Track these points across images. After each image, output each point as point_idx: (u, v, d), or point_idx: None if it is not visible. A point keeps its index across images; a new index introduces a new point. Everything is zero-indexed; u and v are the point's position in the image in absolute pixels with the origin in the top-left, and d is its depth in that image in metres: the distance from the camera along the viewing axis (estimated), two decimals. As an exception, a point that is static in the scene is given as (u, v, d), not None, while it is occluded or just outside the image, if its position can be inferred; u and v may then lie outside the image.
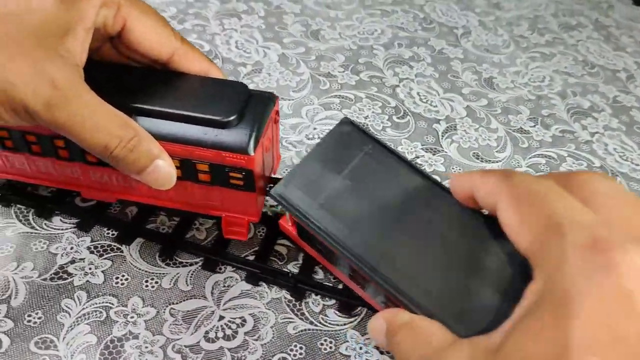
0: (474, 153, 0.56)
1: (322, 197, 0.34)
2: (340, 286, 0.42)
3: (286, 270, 0.43)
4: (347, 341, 0.40)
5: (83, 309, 0.39)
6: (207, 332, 0.39)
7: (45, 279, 0.40)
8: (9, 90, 0.30)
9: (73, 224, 0.44)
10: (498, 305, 0.29)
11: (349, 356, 0.39)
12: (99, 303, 0.40)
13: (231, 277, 0.43)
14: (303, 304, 0.42)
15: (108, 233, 0.44)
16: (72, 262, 0.42)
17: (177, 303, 0.40)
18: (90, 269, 0.41)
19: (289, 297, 0.42)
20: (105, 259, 0.42)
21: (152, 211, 0.45)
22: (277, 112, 0.40)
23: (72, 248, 0.43)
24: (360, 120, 0.57)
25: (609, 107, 0.65)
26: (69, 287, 0.40)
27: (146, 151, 0.33)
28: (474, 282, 0.30)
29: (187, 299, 0.41)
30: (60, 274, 0.41)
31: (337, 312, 0.41)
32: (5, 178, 0.43)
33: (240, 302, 0.41)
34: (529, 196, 0.26)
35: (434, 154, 0.55)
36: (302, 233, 0.37)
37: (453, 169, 0.54)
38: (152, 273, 0.42)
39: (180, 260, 0.43)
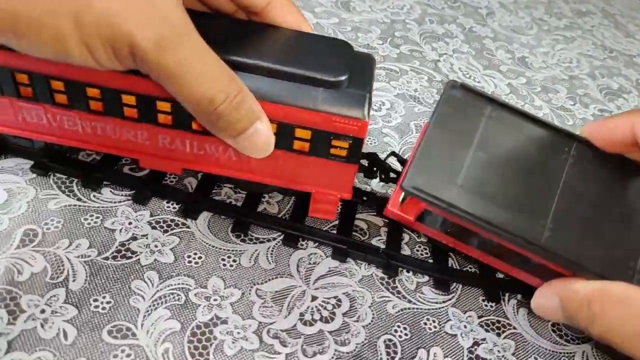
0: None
1: (460, 178, 0.30)
2: (431, 260, 0.39)
3: (373, 245, 0.39)
4: (450, 319, 0.37)
5: (157, 291, 0.33)
6: (302, 314, 0.34)
7: (106, 258, 0.34)
8: (116, 24, 0.25)
9: (127, 195, 0.38)
10: None
11: (455, 335, 0.36)
12: (175, 285, 0.34)
13: (315, 253, 0.38)
14: (397, 281, 0.38)
15: (168, 206, 0.38)
16: (134, 238, 0.36)
17: (262, 283, 0.35)
18: (156, 246, 0.36)
19: (380, 274, 0.38)
20: (171, 235, 0.37)
21: (214, 182, 0.40)
22: None
23: (130, 223, 0.37)
24: (410, 92, 0.54)
25: (635, 89, 0.66)
26: (136, 267, 0.34)
27: (249, 111, 0.29)
28: (634, 237, 0.28)
29: (272, 278, 0.36)
30: (123, 252, 0.35)
31: (433, 289, 0.38)
32: (49, 141, 0.36)
33: (330, 281, 0.37)
34: None
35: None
36: (423, 217, 0.33)
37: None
38: (228, 250, 0.37)
39: (255, 235, 0.38)
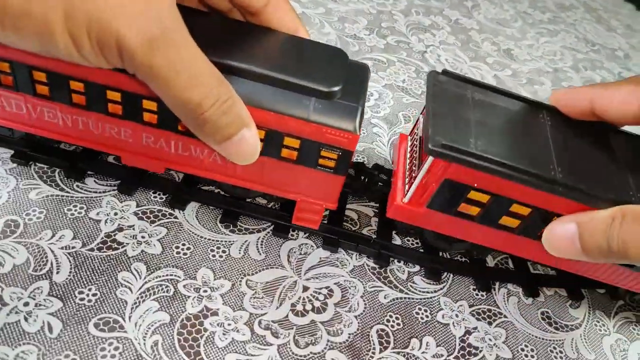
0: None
1: (473, 140, 0.31)
2: (422, 250, 0.39)
3: (365, 235, 0.39)
4: (442, 309, 0.37)
5: (145, 282, 0.33)
6: (294, 305, 0.34)
7: (91, 250, 0.33)
8: (106, 20, 0.23)
9: (112, 185, 0.37)
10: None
11: (447, 324, 0.36)
12: (163, 276, 0.33)
13: (306, 243, 0.38)
14: (388, 271, 0.38)
15: (155, 196, 0.37)
16: (120, 229, 0.35)
17: (253, 274, 0.35)
18: (143, 237, 0.35)
19: (371, 264, 0.38)
20: (158, 225, 0.36)
21: (202, 173, 0.39)
22: None
23: (116, 214, 0.36)
24: (398, 83, 0.54)
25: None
26: (123, 258, 0.33)
27: (237, 117, 0.27)
28: (622, 174, 0.32)
29: (263, 269, 0.35)
30: (109, 243, 0.34)
31: (424, 279, 0.38)
32: (27, 132, 0.35)
33: (322, 271, 0.36)
34: None
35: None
36: (433, 202, 0.33)
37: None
38: (217, 241, 0.36)
39: (245, 226, 0.37)
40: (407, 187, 0.34)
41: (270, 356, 0.31)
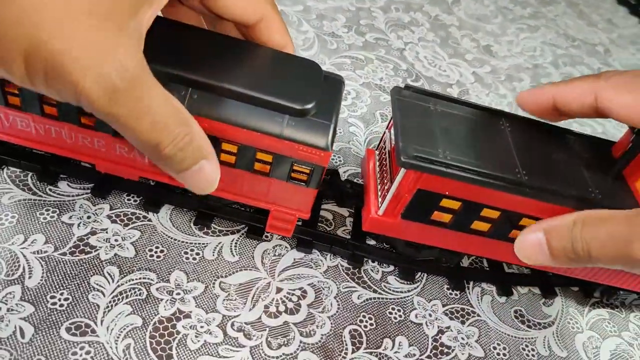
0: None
1: (440, 150, 0.32)
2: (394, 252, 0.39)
3: (339, 236, 0.39)
4: (416, 308, 0.37)
5: (118, 286, 0.33)
6: (267, 307, 0.34)
7: (64, 254, 0.33)
8: (65, 64, 0.22)
9: (85, 189, 0.37)
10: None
11: (421, 324, 0.36)
12: (136, 279, 0.33)
13: (280, 245, 0.38)
14: (362, 271, 0.38)
15: (129, 199, 0.37)
16: (93, 233, 0.35)
17: (226, 276, 0.35)
18: (116, 240, 0.35)
19: (345, 264, 0.38)
20: (132, 228, 0.36)
21: (177, 174, 0.39)
22: None
23: (89, 217, 0.35)
24: (376, 82, 0.54)
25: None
26: (96, 262, 0.33)
27: (196, 149, 0.27)
28: (579, 171, 0.34)
29: (237, 271, 0.35)
30: (82, 247, 0.34)
31: (398, 279, 0.38)
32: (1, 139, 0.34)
33: (296, 272, 0.37)
34: (635, 80, 0.31)
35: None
36: (407, 213, 0.34)
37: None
38: (190, 243, 0.36)
39: (219, 228, 0.38)
40: (380, 199, 0.35)
41: (242, 358, 0.31)
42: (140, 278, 0.33)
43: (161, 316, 0.32)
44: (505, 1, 0.77)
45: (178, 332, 0.31)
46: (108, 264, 0.34)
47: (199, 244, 0.36)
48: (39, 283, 0.32)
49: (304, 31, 0.58)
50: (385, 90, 0.54)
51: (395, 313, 0.36)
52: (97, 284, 0.32)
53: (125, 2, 0.24)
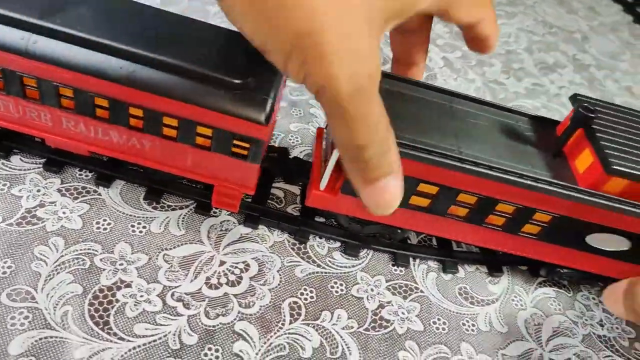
0: (456, 102, 0.55)
1: (406, 134, 0.33)
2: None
3: (287, 212, 0.40)
4: (358, 283, 0.38)
5: (61, 256, 0.34)
6: (208, 279, 0.35)
7: (10, 224, 0.34)
8: (329, 55, 0.24)
9: (38, 163, 0.38)
10: None
11: (362, 298, 0.37)
12: (80, 250, 0.34)
13: (228, 220, 0.39)
14: (308, 246, 0.39)
15: (81, 174, 0.38)
16: (41, 205, 0.36)
17: (171, 249, 0.36)
18: (64, 212, 0.36)
19: (292, 240, 0.39)
20: (81, 202, 0.37)
21: (130, 151, 0.40)
22: None
23: (39, 190, 0.37)
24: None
25: (571, 64, 0.67)
26: (41, 232, 0.34)
27: (391, 161, 0.28)
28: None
29: (181, 244, 0.36)
30: (29, 218, 0.35)
31: (343, 254, 0.39)
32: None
33: (241, 247, 0.37)
34: None
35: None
36: (349, 188, 0.34)
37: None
38: (138, 217, 0.37)
39: (168, 203, 0.38)
40: (322, 176, 0.36)
41: (179, 326, 0.32)
42: (85, 249, 0.34)
43: (102, 285, 0.33)
44: (485, -12, 0.77)
45: (117, 301, 0.32)
46: (54, 235, 0.35)
47: (147, 217, 0.37)
48: (-17, 251, 0.33)
49: (471, 79, 0.58)
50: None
51: (337, 287, 0.37)
52: (41, 254, 0.33)
53: (383, 14, 0.26)
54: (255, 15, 0.25)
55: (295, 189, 0.42)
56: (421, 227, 0.37)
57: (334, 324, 0.35)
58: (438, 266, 0.41)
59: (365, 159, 0.28)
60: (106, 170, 0.38)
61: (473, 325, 0.38)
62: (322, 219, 0.40)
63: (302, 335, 0.34)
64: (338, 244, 0.40)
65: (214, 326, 0.33)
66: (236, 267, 0.36)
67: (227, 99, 0.31)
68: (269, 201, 0.41)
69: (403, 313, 0.37)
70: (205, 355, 0.31)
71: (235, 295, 0.35)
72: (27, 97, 0.33)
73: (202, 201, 0.38)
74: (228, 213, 0.39)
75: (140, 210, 0.37)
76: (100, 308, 0.32)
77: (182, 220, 0.38)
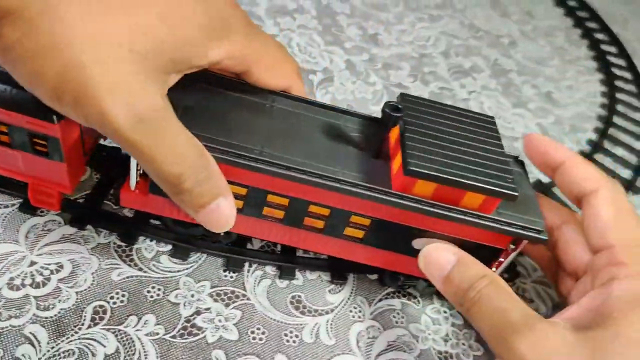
0: (348, 105, 0.54)
1: (207, 133, 0.31)
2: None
3: (117, 214, 0.39)
4: (179, 288, 0.36)
5: None
6: (12, 279, 0.34)
7: None
8: (96, 90, 0.25)
9: None
10: None
11: (178, 304, 0.36)
12: None
13: (54, 220, 0.38)
14: (134, 250, 0.38)
15: None
16: None
17: (-21, 248, 0.35)
18: None
19: (119, 242, 0.38)
20: None
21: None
22: None
23: None
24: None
25: (490, 69, 0.65)
26: None
27: (214, 186, 0.29)
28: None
29: (-7, 243, 0.36)
30: None
31: (171, 258, 0.38)
32: None
33: (59, 247, 0.36)
34: (627, 206, 0.32)
35: (305, 104, 0.52)
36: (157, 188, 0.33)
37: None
38: (-45, 215, 0.36)
39: (-7, 201, 0.38)
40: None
41: (-35, 328, 0.31)
42: None
43: None
44: (415, -9, 0.75)
45: None
46: None
47: (-36, 215, 0.37)
48: None
49: (371, 83, 0.57)
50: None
51: (154, 292, 0.36)
52: None
53: (165, 53, 0.27)
54: (12, 65, 0.26)
55: (137, 190, 0.41)
56: (235, 227, 0.36)
57: (137, 330, 0.34)
58: (276, 273, 0.39)
59: (187, 190, 0.28)
60: None
61: (297, 336, 0.36)
62: (158, 222, 0.39)
63: (97, 341, 0.33)
64: (169, 247, 0.38)
65: (2, 328, 0.32)
66: (47, 269, 0.35)
67: (16, 96, 0.30)
68: (107, 202, 0.40)
69: (220, 321, 0.35)
70: (-21, 358, 0.30)
71: (36, 297, 0.34)
72: None
73: (26, 200, 0.38)
74: (55, 213, 0.38)
75: (-41, 208, 0.37)
76: None
77: (4, 220, 0.37)
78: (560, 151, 0.34)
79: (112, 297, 0.35)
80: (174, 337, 0.34)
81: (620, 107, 0.66)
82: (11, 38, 0.24)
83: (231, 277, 0.38)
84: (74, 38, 0.24)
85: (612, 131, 0.62)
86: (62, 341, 0.32)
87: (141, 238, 0.38)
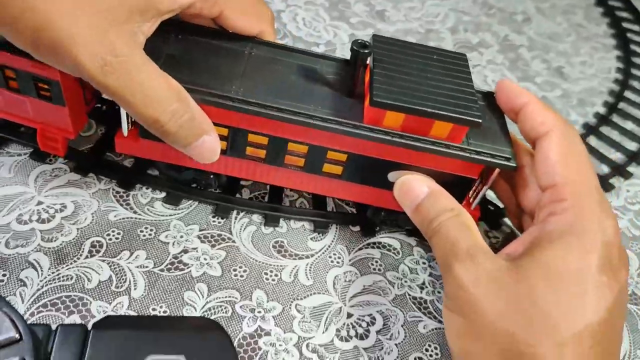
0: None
1: (185, 78, 0.33)
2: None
3: (117, 162, 0.42)
4: (169, 230, 0.39)
5: None
6: (21, 215, 0.38)
7: None
8: (66, 42, 0.28)
9: None
10: None
11: (168, 243, 0.39)
12: None
13: (61, 167, 0.42)
14: (131, 195, 0.41)
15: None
16: None
17: (-8, 190, 0.39)
18: None
19: (117, 188, 0.41)
20: None
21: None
22: None
23: None
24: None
25: (499, 44, 0.65)
26: None
27: (197, 126, 0.32)
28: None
29: (5, 185, 0.40)
30: None
31: (164, 204, 0.41)
32: None
33: (64, 191, 0.40)
34: (578, 148, 0.33)
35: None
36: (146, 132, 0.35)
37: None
38: (-24, 160, 0.41)
39: (7, 150, 0.42)
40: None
41: (-23, 253, 0.35)
42: None
43: None
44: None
45: None
46: None
47: (-16, 161, 0.41)
48: None
49: None
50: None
51: (146, 232, 0.39)
52: None
53: (125, 4, 0.29)
54: None
55: (139, 144, 0.44)
56: (222, 169, 0.38)
57: (129, 262, 0.37)
58: (261, 220, 0.41)
59: (171, 132, 0.31)
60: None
61: (276, 275, 0.38)
62: (155, 173, 0.42)
63: (92, 269, 0.36)
64: (163, 195, 0.41)
65: (9, 255, 0.36)
66: (52, 208, 0.39)
67: None
68: (109, 154, 0.43)
69: (205, 259, 0.38)
70: (-16, 276, 0.34)
71: (41, 231, 0.37)
72: None
73: (37, 148, 0.42)
74: (62, 161, 0.42)
75: (-20, 155, 0.41)
76: None
77: (15, 166, 0.41)
78: (522, 96, 0.35)
79: (108, 234, 0.38)
80: (162, 270, 0.37)
81: (635, 83, 0.65)
82: None
83: (219, 222, 0.41)
84: (44, 2, 0.27)
85: (622, 105, 0.61)
86: (62, 268, 0.36)
87: (138, 185, 0.42)
